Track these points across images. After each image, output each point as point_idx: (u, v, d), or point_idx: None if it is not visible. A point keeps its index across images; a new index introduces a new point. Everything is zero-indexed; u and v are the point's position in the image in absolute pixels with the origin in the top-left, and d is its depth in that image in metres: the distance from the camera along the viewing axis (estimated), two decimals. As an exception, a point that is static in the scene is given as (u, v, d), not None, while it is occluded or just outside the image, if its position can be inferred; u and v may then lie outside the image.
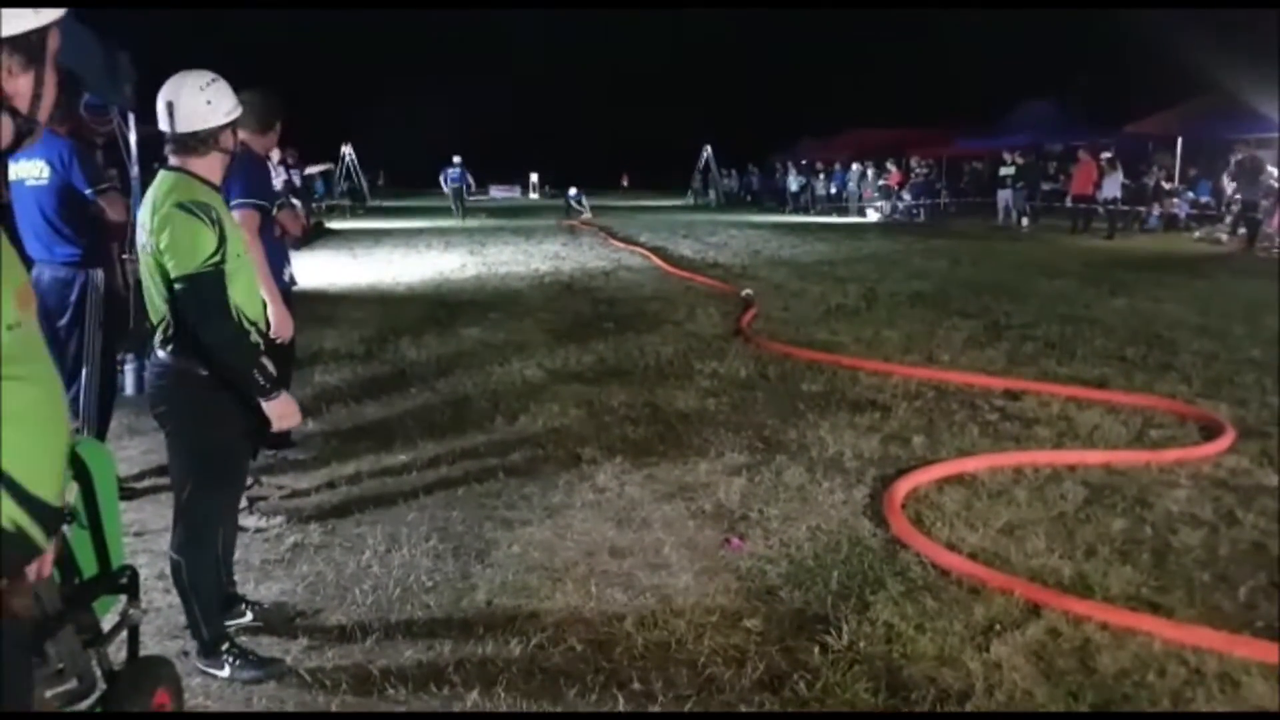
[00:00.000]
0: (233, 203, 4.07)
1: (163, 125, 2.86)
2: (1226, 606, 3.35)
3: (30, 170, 4.41)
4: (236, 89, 3.00)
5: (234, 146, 3.01)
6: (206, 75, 2.91)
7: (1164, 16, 26.96)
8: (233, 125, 2.96)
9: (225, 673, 2.92)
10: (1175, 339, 8.24)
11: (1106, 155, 21.92)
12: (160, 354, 2.90)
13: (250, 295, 3.00)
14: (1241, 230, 18.40)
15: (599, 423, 5.77)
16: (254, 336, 2.96)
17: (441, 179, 31.28)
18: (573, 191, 32.62)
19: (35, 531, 1.45)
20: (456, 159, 30.21)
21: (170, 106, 2.83)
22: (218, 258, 2.76)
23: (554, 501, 4.45)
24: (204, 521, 2.95)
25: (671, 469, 4.90)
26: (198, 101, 2.84)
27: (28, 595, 1.56)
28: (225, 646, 2.94)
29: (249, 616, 3.27)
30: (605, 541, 3.97)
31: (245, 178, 4.20)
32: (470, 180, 32.14)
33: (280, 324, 4.29)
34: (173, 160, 2.89)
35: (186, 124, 2.84)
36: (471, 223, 27.26)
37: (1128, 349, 7.78)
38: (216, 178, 2.96)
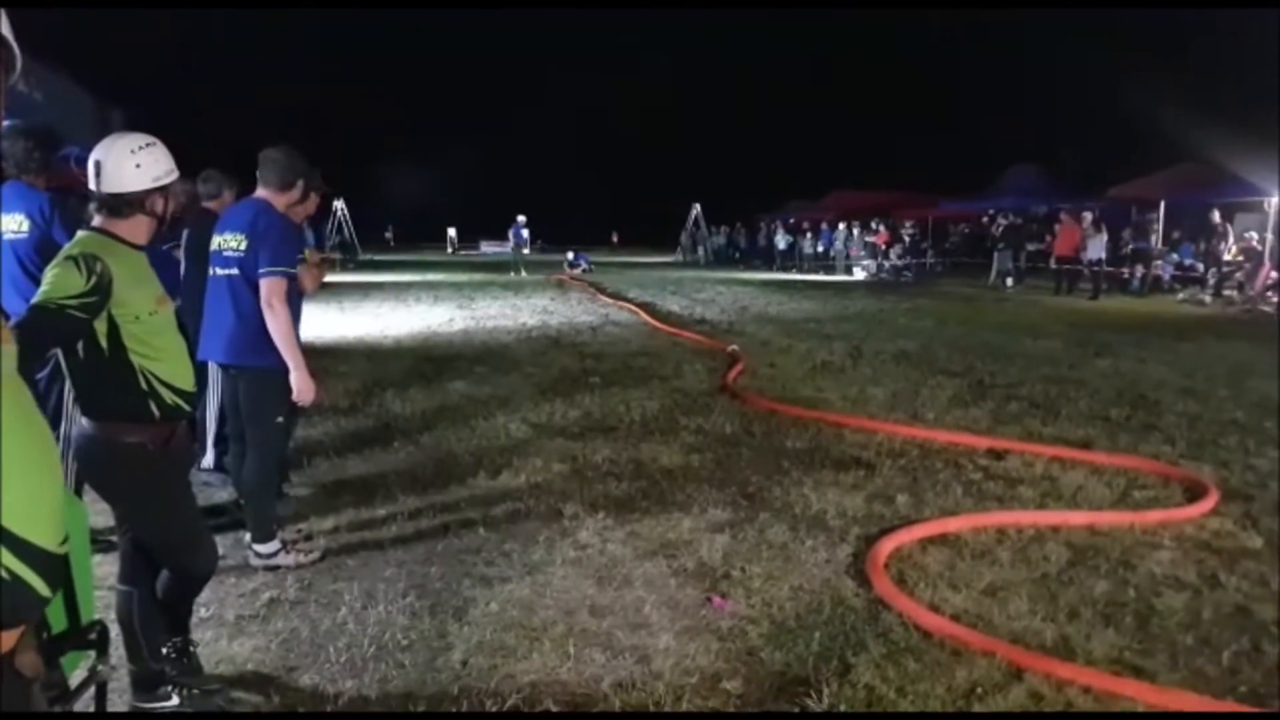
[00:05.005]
0: (260, 271, 4.11)
1: (91, 184, 2.83)
2: (1210, 671, 3.33)
3: (9, 224, 4.39)
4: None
5: (163, 211, 2.93)
6: (143, 139, 2.88)
7: (1151, 86, 27.59)
8: (164, 190, 2.90)
9: (174, 702, 2.90)
10: (1159, 400, 8.28)
11: (1089, 216, 22.20)
12: (83, 420, 2.84)
13: (175, 365, 2.90)
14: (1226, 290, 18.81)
15: (582, 478, 5.74)
16: (177, 403, 2.88)
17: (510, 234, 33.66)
18: (571, 255, 33.51)
19: (35, 580, 1.39)
20: (521, 217, 32.61)
21: (98, 166, 2.79)
22: (73, 303, 2.60)
23: (534, 558, 4.41)
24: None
25: (654, 526, 4.86)
26: (126, 164, 2.81)
27: (34, 651, 1.48)
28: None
29: (174, 701, 3.08)
30: (585, 600, 3.92)
31: (272, 244, 4.16)
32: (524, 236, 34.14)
33: (302, 390, 4.21)
34: (96, 220, 2.84)
35: (111, 184, 2.80)
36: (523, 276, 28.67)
37: (1112, 410, 7.81)
38: (141, 239, 2.90)
